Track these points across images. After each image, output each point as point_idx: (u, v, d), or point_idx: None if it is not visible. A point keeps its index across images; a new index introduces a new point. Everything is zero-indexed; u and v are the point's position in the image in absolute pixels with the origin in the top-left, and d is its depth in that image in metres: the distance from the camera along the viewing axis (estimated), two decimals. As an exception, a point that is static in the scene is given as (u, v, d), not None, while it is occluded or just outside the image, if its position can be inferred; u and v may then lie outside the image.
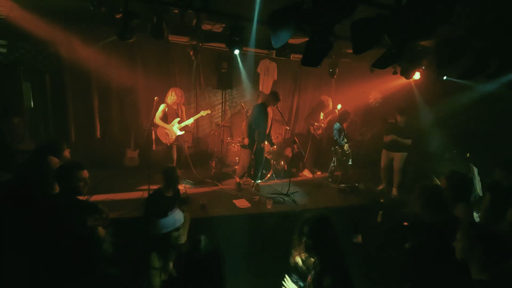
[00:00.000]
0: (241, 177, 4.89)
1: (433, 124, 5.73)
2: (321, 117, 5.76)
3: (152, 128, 4.28)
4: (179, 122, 4.46)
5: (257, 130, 4.56)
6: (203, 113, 4.65)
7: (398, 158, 4.89)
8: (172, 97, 4.37)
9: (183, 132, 4.54)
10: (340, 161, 5.41)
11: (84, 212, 2.25)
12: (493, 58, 3.21)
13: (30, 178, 2.35)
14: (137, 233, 2.76)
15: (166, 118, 4.40)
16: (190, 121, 4.52)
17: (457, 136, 5.33)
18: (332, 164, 5.56)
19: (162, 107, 4.37)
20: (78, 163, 2.26)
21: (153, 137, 4.40)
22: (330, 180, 5.56)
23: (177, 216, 2.38)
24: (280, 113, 4.71)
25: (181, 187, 4.48)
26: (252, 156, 4.71)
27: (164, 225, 2.29)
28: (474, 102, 5.07)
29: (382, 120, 5.88)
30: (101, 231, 1.73)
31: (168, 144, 4.45)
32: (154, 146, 4.38)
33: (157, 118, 4.33)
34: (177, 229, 2.35)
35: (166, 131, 4.39)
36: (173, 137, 4.43)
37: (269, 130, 4.78)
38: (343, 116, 5.31)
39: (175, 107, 4.44)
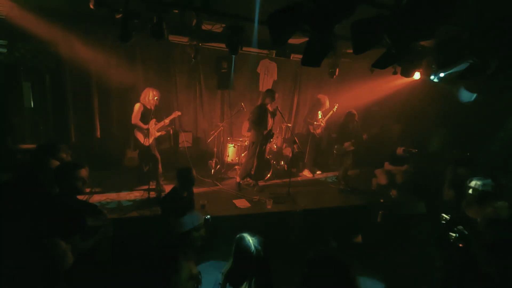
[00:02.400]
0: (243, 178, 4.88)
1: (433, 124, 5.73)
2: (319, 116, 5.76)
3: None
4: (155, 123, 4.34)
5: (260, 131, 4.59)
6: (174, 114, 4.61)
7: (402, 171, 4.90)
8: (149, 97, 4.17)
9: (160, 132, 4.44)
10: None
11: (83, 212, 2.24)
12: (493, 58, 3.21)
13: (29, 177, 2.35)
14: (156, 233, 2.78)
15: (143, 119, 4.20)
16: (166, 121, 4.44)
17: (457, 136, 5.33)
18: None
19: (137, 107, 4.16)
20: (76, 162, 2.26)
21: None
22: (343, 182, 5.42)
23: (195, 215, 2.31)
24: (280, 112, 4.71)
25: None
26: (255, 158, 4.72)
27: (183, 223, 2.21)
28: (474, 102, 5.07)
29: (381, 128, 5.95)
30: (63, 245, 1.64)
31: (147, 145, 4.22)
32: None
33: (135, 119, 4.13)
34: (197, 228, 2.29)
35: (145, 132, 4.19)
36: (152, 138, 4.28)
37: (270, 128, 4.78)
38: (348, 118, 5.31)
39: (148, 107, 4.23)
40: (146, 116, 4.20)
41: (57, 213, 2.01)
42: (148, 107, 4.21)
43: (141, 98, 4.22)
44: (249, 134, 5.65)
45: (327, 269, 1.29)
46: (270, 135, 4.77)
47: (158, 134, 4.42)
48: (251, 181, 5.04)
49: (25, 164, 2.65)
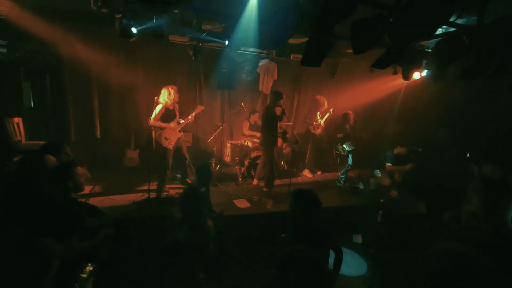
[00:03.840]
0: (270, 186, 4.62)
1: (433, 124, 5.74)
2: (318, 116, 5.77)
3: (152, 128, 4.19)
4: (178, 122, 4.19)
5: (272, 135, 4.51)
6: (198, 109, 4.47)
7: (403, 170, 4.90)
8: (170, 95, 4.01)
9: (182, 133, 4.31)
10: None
11: (81, 212, 2.25)
12: (493, 58, 3.20)
13: (29, 178, 2.34)
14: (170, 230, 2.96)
15: (165, 120, 4.05)
16: (189, 119, 4.29)
17: (457, 136, 5.33)
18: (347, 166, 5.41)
19: (158, 108, 3.96)
20: (72, 161, 2.27)
21: (153, 136, 4.22)
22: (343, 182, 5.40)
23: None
24: (286, 116, 4.68)
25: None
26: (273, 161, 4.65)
27: None
28: (475, 102, 5.08)
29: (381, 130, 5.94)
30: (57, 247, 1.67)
31: (169, 148, 4.10)
32: (154, 146, 4.25)
33: (154, 120, 3.93)
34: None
35: (166, 134, 4.05)
36: (173, 141, 4.13)
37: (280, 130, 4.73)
38: (345, 118, 5.32)
39: (171, 108, 4.11)
40: (169, 116, 4.06)
41: (55, 213, 2.01)
42: (171, 108, 4.08)
43: (160, 99, 4.01)
44: (249, 133, 5.65)
45: (298, 268, 1.27)
46: (282, 135, 4.71)
47: (181, 134, 4.26)
48: (251, 181, 5.04)
49: (25, 164, 2.65)
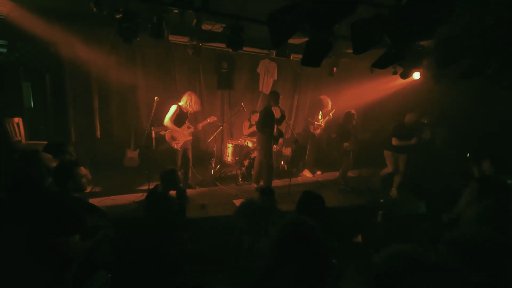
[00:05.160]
0: (257, 182, 4.82)
1: (433, 124, 5.73)
2: (320, 116, 5.76)
3: (152, 128, 4.23)
4: (188, 127, 4.38)
5: (267, 134, 4.52)
6: (210, 119, 4.64)
7: (405, 159, 4.89)
8: (190, 102, 4.23)
9: (191, 137, 4.46)
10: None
11: (82, 212, 2.24)
12: (493, 58, 3.21)
13: (29, 177, 2.34)
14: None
15: (177, 122, 4.25)
16: (198, 127, 4.48)
17: (457, 136, 5.33)
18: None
19: (174, 109, 4.18)
20: (75, 161, 2.26)
21: (153, 136, 4.32)
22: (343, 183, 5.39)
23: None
24: (286, 121, 4.67)
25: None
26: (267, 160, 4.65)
27: None
28: (475, 102, 5.07)
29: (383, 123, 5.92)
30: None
31: (177, 148, 4.29)
32: (154, 146, 4.29)
33: (168, 121, 4.15)
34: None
35: (175, 135, 4.24)
36: (181, 142, 4.30)
37: (276, 131, 4.74)
38: (347, 117, 5.30)
39: (185, 111, 4.30)
40: (181, 119, 4.26)
41: (55, 212, 2.01)
42: (185, 111, 4.29)
43: (181, 100, 4.26)
44: (249, 132, 5.64)
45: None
46: (277, 137, 4.71)
47: (190, 137, 4.44)
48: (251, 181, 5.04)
49: (26, 163, 2.65)
